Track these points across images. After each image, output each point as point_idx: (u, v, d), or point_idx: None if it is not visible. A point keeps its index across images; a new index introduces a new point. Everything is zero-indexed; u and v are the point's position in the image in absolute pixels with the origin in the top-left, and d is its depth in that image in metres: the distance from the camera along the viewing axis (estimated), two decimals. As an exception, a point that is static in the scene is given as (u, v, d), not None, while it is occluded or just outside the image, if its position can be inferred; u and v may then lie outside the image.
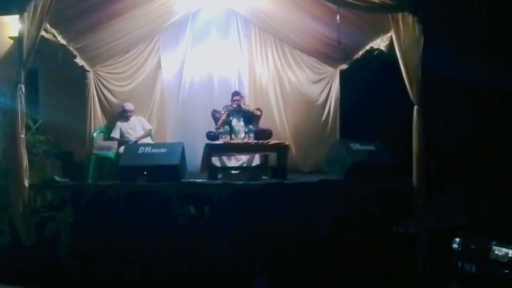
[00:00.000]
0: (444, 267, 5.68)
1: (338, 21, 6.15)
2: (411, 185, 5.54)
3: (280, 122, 8.40)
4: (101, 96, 8.06)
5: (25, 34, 5.37)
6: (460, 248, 5.67)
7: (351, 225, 5.83)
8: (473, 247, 5.45)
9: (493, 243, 5.17)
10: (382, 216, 5.95)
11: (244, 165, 7.55)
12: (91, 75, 7.95)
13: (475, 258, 5.33)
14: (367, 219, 5.89)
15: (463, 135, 8.15)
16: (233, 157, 7.66)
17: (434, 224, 6.26)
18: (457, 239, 5.74)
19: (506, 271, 4.90)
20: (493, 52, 8.23)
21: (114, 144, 7.38)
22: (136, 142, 7.49)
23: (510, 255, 4.93)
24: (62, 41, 6.52)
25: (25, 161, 5.45)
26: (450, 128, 8.14)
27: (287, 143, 7.13)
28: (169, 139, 8.12)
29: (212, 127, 7.52)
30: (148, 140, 7.76)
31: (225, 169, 7.37)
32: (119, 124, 7.81)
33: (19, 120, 5.38)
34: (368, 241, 5.71)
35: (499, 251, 5.07)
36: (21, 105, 5.39)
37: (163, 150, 6.21)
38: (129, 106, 7.86)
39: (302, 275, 5.49)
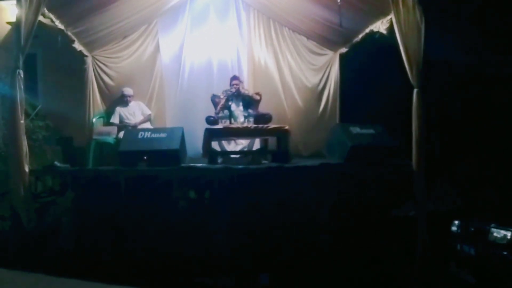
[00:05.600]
0: (444, 250, 5.72)
1: (339, 2, 6.11)
2: (410, 168, 5.54)
3: (280, 106, 8.36)
4: (100, 81, 8.04)
5: (23, 19, 5.34)
6: (459, 231, 5.71)
7: (351, 208, 5.85)
8: (472, 229, 5.49)
9: (492, 225, 5.22)
10: (382, 199, 5.97)
11: (245, 149, 7.55)
12: (89, 60, 7.91)
13: (474, 241, 5.38)
14: (366, 203, 5.91)
15: (463, 118, 8.15)
16: (232, 142, 7.67)
17: (433, 207, 6.28)
18: (456, 222, 5.78)
19: (505, 253, 4.94)
20: (492, 36, 8.19)
21: (114, 129, 7.38)
22: (135, 127, 7.48)
23: (508, 237, 4.97)
24: (60, 25, 6.48)
25: (25, 147, 5.46)
26: (450, 111, 8.14)
27: (286, 127, 7.11)
28: (168, 124, 8.11)
29: (211, 112, 7.50)
30: (147, 125, 7.77)
31: (225, 153, 7.38)
32: (119, 109, 7.81)
33: (18, 105, 5.37)
34: (368, 225, 5.73)
35: (498, 233, 5.11)
36: (20, 91, 5.38)
37: (162, 135, 6.20)
38: (128, 91, 7.85)
39: (301, 258, 5.52)
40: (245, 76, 8.23)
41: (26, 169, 5.46)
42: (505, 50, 8.06)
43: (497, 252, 5.03)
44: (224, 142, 7.52)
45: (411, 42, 5.52)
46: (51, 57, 8.00)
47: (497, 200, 6.69)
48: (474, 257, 5.34)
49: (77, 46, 7.27)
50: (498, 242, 5.08)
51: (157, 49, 8.32)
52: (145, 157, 5.98)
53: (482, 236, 5.28)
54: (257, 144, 7.64)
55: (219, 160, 6.96)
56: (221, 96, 7.55)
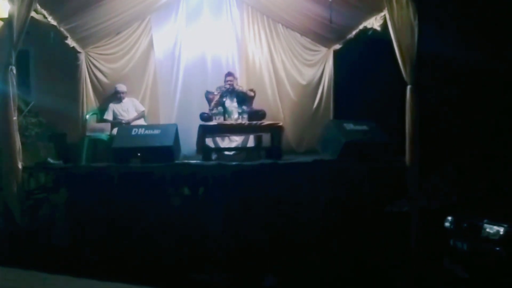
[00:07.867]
0: (437, 246, 5.74)
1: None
2: (404, 164, 5.56)
3: (274, 103, 8.36)
4: (93, 77, 8.00)
5: (15, 15, 5.33)
6: (452, 227, 5.73)
7: (344, 204, 5.86)
8: (465, 225, 5.50)
9: (485, 221, 5.23)
10: (375, 195, 5.98)
11: (239, 146, 7.55)
12: (82, 57, 7.87)
13: (467, 236, 5.39)
14: (360, 199, 5.92)
15: (456, 114, 8.17)
16: (226, 139, 7.66)
17: (426, 203, 6.30)
18: (449, 218, 5.80)
19: (498, 249, 4.96)
20: (486, 31, 8.21)
21: (107, 126, 7.36)
22: (129, 123, 7.46)
23: (501, 233, 4.99)
24: (53, 21, 6.43)
25: (18, 143, 5.45)
26: (443, 107, 8.16)
27: (280, 124, 7.13)
28: (162, 121, 8.08)
29: (205, 108, 7.49)
30: (141, 121, 7.74)
31: (220, 150, 7.37)
32: (112, 106, 7.77)
33: (11, 102, 5.36)
34: (362, 221, 5.75)
35: (491, 229, 5.12)
36: (12, 87, 5.37)
37: (156, 131, 6.20)
38: (121, 87, 7.81)
39: (296, 254, 5.53)
40: (239, 73, 8.21)
41: (19, 166, 5.45)
42: (500, 45, 8.07)
43: (490, 247, 5.05)
44: (218, 139, 7.53)
45: (404, 38, 5.54)
46: (44, 53, 7.93)
47: (489, 196, 6.72)
48: (467, 253, 5.36)
49: (70, 42, 7.22)
50: (491, 238, 5.09)
51: (150, 45, 8.29)
52: (138, 154, 5.97)
53: (475, 231, 5.29)
54: (251, 142, 7.64)
55: (213, 157, 6.96)
56: (215, 93, 7.54)
